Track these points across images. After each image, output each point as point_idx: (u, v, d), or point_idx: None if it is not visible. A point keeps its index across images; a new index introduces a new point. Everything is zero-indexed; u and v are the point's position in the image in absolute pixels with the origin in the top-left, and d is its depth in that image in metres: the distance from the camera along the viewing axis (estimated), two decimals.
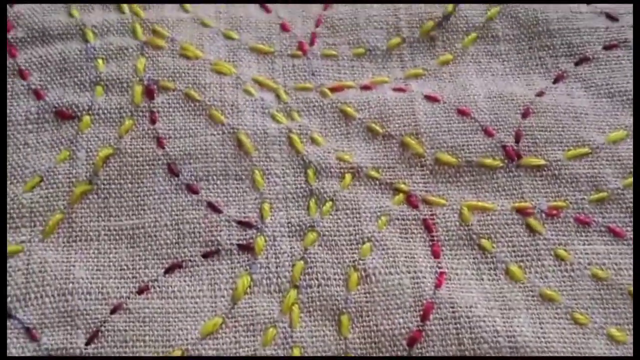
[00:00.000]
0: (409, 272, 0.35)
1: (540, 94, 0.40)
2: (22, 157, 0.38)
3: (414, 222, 0.37)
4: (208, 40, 0.42)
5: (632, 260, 0.35)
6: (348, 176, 0.38)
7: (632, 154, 0.38)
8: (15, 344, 0.33)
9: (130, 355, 0.33)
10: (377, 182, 0.38)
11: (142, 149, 0.38)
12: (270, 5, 0.43)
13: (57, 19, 0.42)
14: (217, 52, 0.41)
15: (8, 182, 0.37)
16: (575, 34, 0.42)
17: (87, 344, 0.33)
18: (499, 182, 0.38)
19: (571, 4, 0.42)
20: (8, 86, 0.40)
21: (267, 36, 0.42)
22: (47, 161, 0.38)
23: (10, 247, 0.35)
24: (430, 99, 0.40)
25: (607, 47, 0.41)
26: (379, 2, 0.43)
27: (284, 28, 0.43)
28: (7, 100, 0.39)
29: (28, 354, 0.33)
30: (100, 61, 0.40)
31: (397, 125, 0.39)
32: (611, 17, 0.42)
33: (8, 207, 0.36)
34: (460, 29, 0.42)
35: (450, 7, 0.43)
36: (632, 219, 0.36)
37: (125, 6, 0.42)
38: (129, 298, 0.34)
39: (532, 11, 0.42)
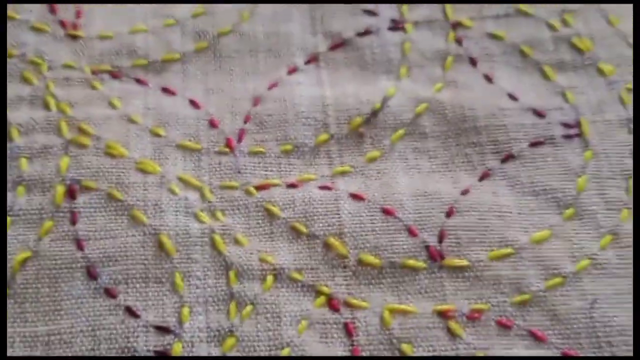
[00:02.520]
0: None
1: (465, 192, 0.41)
2: None
3: (334, 325, 0.38)
4: (134, 137, 0.43)
5: None
6: (270, 278, 0.39)
7: (555, 254, 0.39)
8: None
9: None
10: (299, 284, 0.39)
11: (61, 251, 0.39)
12: (200, 102, 0.44)
13: None
14: (143, 150, 0.42)
15: None
16: (501, 131, 0.43)
17: None
18: (422, 283, 0.39)
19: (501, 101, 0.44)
20: None
21: (195, 133, 0.44)
22: None
23: None
24: (355, 197, 0.41)
25: (533, 144, 0.43)
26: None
27: (212, 124, 0.44)
28: None
29: None
30: (23, 160, 0.41)
31: (321, 225, 0.40)
32: (538, 114, 0.44)
33: None
34: (388, 125, 0.44)
35: (378, 103, 0.44)
36: (552, 323, 0.37)
37: (52, 103, 0.43)
38: None
39: (459, 108, 0.44)
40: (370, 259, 0.39)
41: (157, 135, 0.43)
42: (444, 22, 0.47)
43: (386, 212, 0.40)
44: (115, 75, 0.45)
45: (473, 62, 0.46)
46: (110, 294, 0.38)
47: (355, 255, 0.39)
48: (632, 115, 0.43)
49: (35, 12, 0.47)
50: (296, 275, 0.39)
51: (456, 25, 0.47)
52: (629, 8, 0.47)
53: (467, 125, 0.43)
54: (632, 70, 0.45)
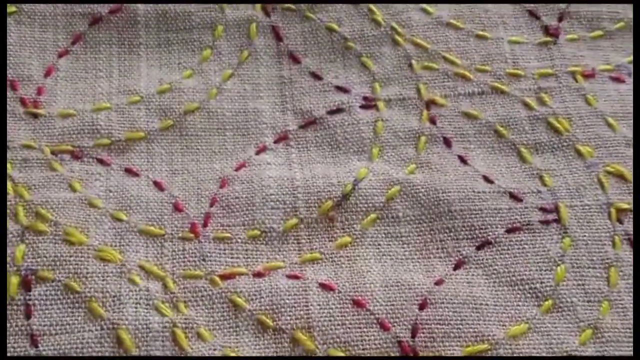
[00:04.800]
0: None
1: (439, 282, 0.40)
2: None
3: None
4: (94, 223, 0.42)
5: None
6: None
7: (533, 350, 0.38)
8: None
9: None
10: None
11: (14, 347, 0.37)
12: (165, 183, 0.43)
13: None
14: (103, 236, 0.41)
15: None
16: (477, 216, 0.42)
17: None
18: None
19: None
20: None
21: (159, 217, 0.43)
22: None
23: None
24: (325, 287, 0.40)
25: (509, 230, 0.42)
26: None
27: (176, 208, 0.43)
28: None
29: None
30: None
31: (288, 317, 0.39)
32: (514, 197, 0.43)
33: None
34: (360, 209, 0.43)
35: (349, 186, 0.43)
36: None
37: (10, 186, 0.42)
38: None
39: (433, 191, 0.43)
40: (340, 354, 0.38)
41: (119, 219, 0.42)
42: (417, 100, 0.47)
43: (357, 303, 0.40)
44: (76, 155, 0.44)
45: (447, 142, 0.45)
46: None
47: (324, 350, 0.38)
48: (611, 200, 0.43)
49: None
50: None
51: (430, 104, 0.47)
52: (606, 88, 0.46)
53: (441, 209, 0.43)
54: (611, 152, 0.44)
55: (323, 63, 0.48)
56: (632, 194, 0.42)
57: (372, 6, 0.50)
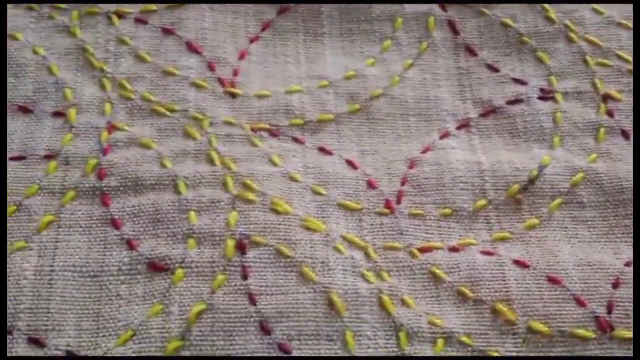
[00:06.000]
0: None
1: (628, 264, 0.42)
2: (114, 309, 0.40)
3: None
4: (297, 195, 0.45)
5: None
6: (440, 341, 0.40)
7: None
8: None
9: None
10: (470, 348, 0.40)
11: (235, 305, 0.40)
12: (357, 162, 0.46)
13: (150, 169, 0.45)
14: (306, 208, 0.44)
15: (100, 335, 0.39)
16: None
17: None
18: (592, 353, 0.39)
19: None
20: (102, 235, 0.42)
21: (355, 193, 0.45)
22: (140, 315, 0.40)
23: None
24: (519, 264, 0.42)
25: None
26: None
27: (370, 185, 0.46)
28: (101, 249, 0.42)
29: None
30: (192, 213, 0.43)
31: (487, 290, 0.41)
32: None
33: None
34: (546, 194, 0.45)
35: (534, 170, 0.45)
36: None
37: (216, 158, 0.45)
38: None
39: (616, 179, 0.45)
40: (540, 326, 0.40)
41: (318, 193, 0.45)
42: (593, 93, 0.49)
43: (552, 280, 0.42)
44: (273, 133, 0.47)
45: (625, 134, 0.47)
46: (283, 349, 0.39)
47: (524, 322, 0.40)
48: None
49: (194, 70, 0.49)
50: (466, 340, 0.40)
51: (606, 98, 0.49)
52: None
53: (625, 197, 0.45)
54: None
55: (499, 56, 0.51)
56: None
57: (546, 5, 0.52)
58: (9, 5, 0.49)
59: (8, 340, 0.39)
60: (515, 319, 0.40)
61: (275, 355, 0.39)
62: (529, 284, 0.41)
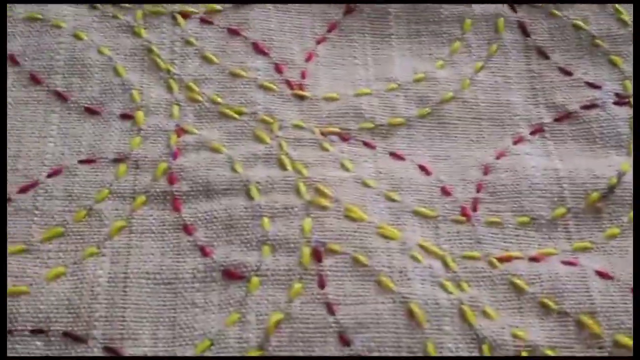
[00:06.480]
0: None
1: None
2: (191, 318, 0.39)
3: None
4: (371, 201, 0.44)
5: None
6: (524, 354, 0.39)
7: None
8: None
9: None
10: None
11: (313, 315, 0.39)
12: (430, 167, 0.45)
13: (221, 174, 0.44)
14: (380, 215, 0.43)
15: (176, 344, 0.38)
16: None
17: None
18: None
19: None
20: (175, 241, 0.41)
21: (429, 199, 0.44)
22: (217, 323, 0.39)
23: None
24: (602, 275, 0.41)
25: None
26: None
27: (445, 192, 0.45)
28: (175, 256, 0.41)
29: None
30: (266, 220, 0.42)
31: (571, 302, 0.40)
32: None
33: None
34: (625, 202, 0.44)
35: (614, 178, 0.44)
36: None
37: (287, 162, 0.44)
38: None
39: None
40: (627, 340, 0.39)
41: (392, 200, 0.44)
42: None
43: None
44: (343, 137, 0.46)
45: None
46: None
47: (610, 335, 0.39)
48: None
49: (262, 71, 0.48)
50: (550, 353, 0.39)
51: None
52: None
53: None
54: None
55: (571, 59, 0.50)
56: None
57: (617, 6, 0.51)
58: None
59: (83, 349, 0.38)
60: (600, 332, 0.39)
61: None
62: (612, 295, 0.40)
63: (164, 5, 0.50)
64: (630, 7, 0.51)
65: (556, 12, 0.51)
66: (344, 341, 0.39)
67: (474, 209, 0.44)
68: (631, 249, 0.43)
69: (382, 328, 0.39)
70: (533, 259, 0.42)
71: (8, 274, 0.40)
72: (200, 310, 0.40)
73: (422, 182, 0.45)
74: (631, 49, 0.50)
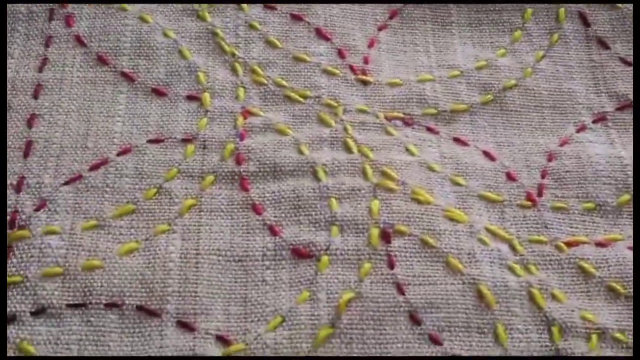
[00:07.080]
0: None
1: None
2: (262, 295, 0.40)
3: None
4: (437, 185, 0.44)
5: None
6: (594, 337, 0.39)
7: None
8: None
9: None
10: (624, 345, 0.39)
11: (383, 294, 0.40)
12: (494, 153, 0.45)
13: (288, 155, 0.44)
14: (447, 198, 0.43)
15: (249, 320, 0.39)
16: None
17: None
18: None
19: None
20: (244, 220, 0.42)
21: (494, 184, 0.45)
22: (287, 301, 0.39)
23: None
24: None
25: None
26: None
27: (510, 177, 0.45)
28: (244, 234, 0.41)
29: None
30: (333, 201, 0.43)
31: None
32: None
33: (251, 345, 0.38)
34: None
35: None
36: None
37: (352, 145, 0.45)
38: None
39: None
40: None
41: (458, 184, 0.44)
42: None
43: None
44: (407, 122, 0.47)
45: None
46: (435, 341, 0.38)
47: None
48: None
49: (325, 56, 0.48)
50: (620, 336, 0.39)
51: None
52: None
53: None
54: None
55: (631, 50, 0.50)
56: None
57: None
58: None
59: (157, 323, 0.38)
60: None
61: (426, 345, 0.38)
62: None
63: None
64: None
65: (617, 4, 0.51)
66: (415, 320, 0.39)
67: (540, 195, 0.44)
68: None
69: (452, 308, 0.40)
70: (600, 244, 0.42)
71: (81, 249, 0.40)
72: (271, 288, 0.40)
73: (487, 167, 0.45)
74: None
